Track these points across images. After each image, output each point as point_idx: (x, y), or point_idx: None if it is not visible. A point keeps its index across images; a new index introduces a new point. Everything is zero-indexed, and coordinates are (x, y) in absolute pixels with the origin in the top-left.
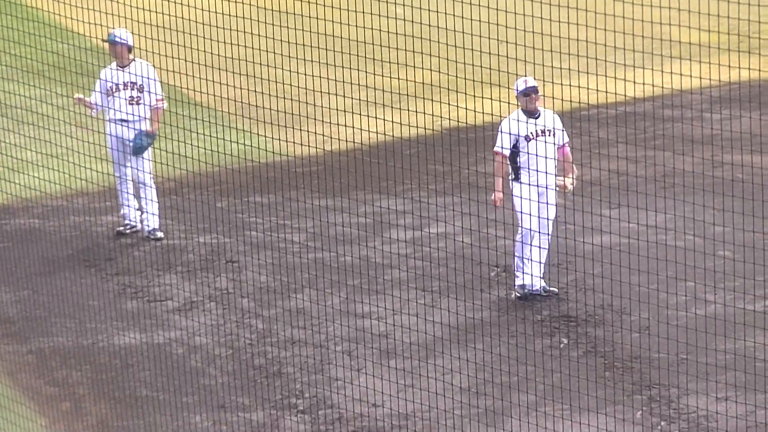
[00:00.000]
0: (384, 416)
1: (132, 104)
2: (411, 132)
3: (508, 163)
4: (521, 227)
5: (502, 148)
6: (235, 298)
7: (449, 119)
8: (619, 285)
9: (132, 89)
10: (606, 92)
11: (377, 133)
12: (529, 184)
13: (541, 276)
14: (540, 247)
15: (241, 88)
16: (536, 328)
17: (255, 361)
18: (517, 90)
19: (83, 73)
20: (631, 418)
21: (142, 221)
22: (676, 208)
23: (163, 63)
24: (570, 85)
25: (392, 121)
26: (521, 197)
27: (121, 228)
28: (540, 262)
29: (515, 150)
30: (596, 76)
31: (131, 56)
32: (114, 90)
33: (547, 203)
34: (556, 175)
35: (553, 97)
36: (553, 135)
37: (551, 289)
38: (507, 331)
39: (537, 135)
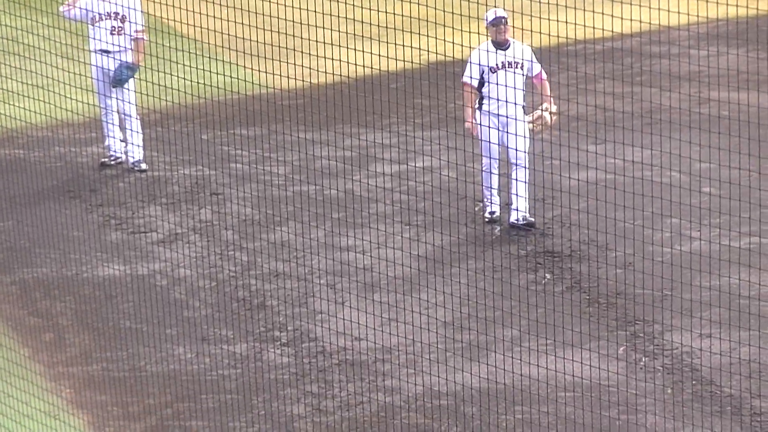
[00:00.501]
0: (367, 350)
1: (114, 34)
2: (396, 65)
3: (478, 93)
4: (482, 156)
5: (470, 78)
6: (218, 231)
7: (435, 53)
8: (603, 221)
9: (114, 19)
10: (592, 28)
11: (362, 66)
12: (489, 113)
13: (517, 208)
14: (516, 180)
15: (226, 20)
16: (519, 263)
17: (238, 293)
18: (487, 20)
19: None
20: (613, 353)
21: (126, 153)
22: (660, 145)
23: None
24: (556, 20)
25: (378, 54)
26: (481, 125)
27: (105, 159)
28: (516, 194)
29: (482, 80)
30: (582, 11)
31: None
32: (96, 19)
33: (511, 133)
34: (524, 106)
35: (540, 32)
36: (522, 67)
37: (531, 219)
38: (490, 266)
39: (504, 66)
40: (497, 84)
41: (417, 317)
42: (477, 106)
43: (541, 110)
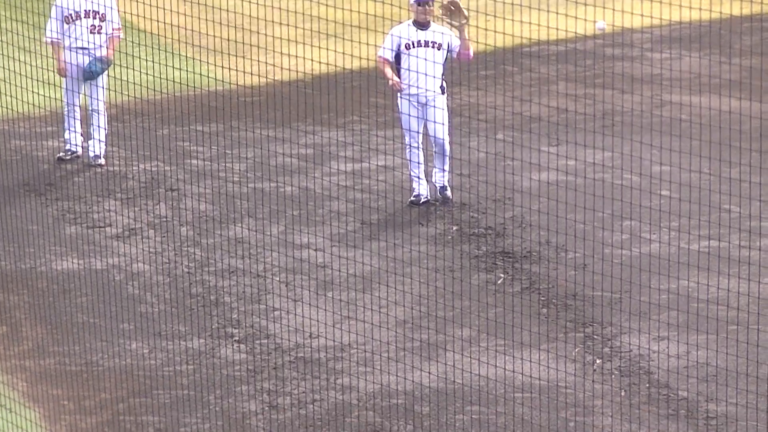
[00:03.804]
0: (321, 347)
1: (93, 33)
2: (354, 63)
3: (395, 67)
4: (402, 130)
5: (383, 50)
6: (174, 226)
7: None
8: (559, 222)
9: (94, 18)
10: (548, 28)
11: (321, 63)
12: (409, 87)
13: (436, 182)
14: (435, 153)
15: (186, 15)
16: (474, 263)
17: (193, 289)
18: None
19: None
20: (568, 355)
21: (86, 148)
22: (617, 147)
23: None
24: (513, 20)
25: (337, 52)
26: (401, 99)
27: (62, 154)
28: (434, 167)
29: (398, 53)
30: (540, 12)
31: None
32: (74, 17)
33: (430, 107)
34: (443, 86)
35: (498, 32)
36: (440, 47)
37: (447, 192)
38: (446, 265)
39: (421, 44)
40: (416, 57)
41: (372, 315)
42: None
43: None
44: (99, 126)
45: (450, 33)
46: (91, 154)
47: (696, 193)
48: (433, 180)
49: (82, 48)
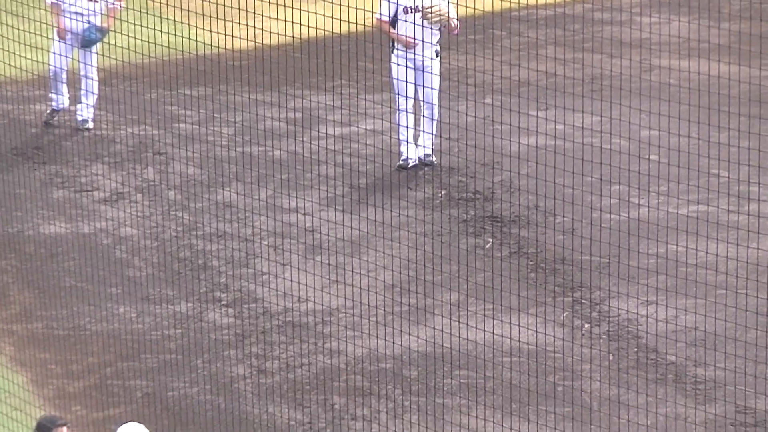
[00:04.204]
0: (309, 311)
1: (92, 0)
2: (343, 27)
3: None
4: (396, 95)
5: (381, 15)
6: (162, 190)
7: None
8: (547, 186)
9: None
10: None
11: (309, 27)
12: (405, 52)
13: (424, 145)
14: (423, 117)
15: None
16: (462, 227)
17: (181, 253)
18: None
19: None
20: (556, 319)
21: (74, 111)
22: (605, 111)
23: None
24: None
25: (325, 16)
26: (394, 65)
27: (47, 117)
28: (423, 131)
29: (395, 19)
30: None
31: None
32: None
33: (425, 72)
34: (438, 50)
35: None
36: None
37: (431, 158)
38: (434, 230)
39: (416, 10)
40: (413, 24)
41: (360, 279)
42: (391, 47)
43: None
44: (89, 91)
45: (448, 3)
46: (79, 118)
47: (684, 157)
48: (420, 143)
49: (78, 14)
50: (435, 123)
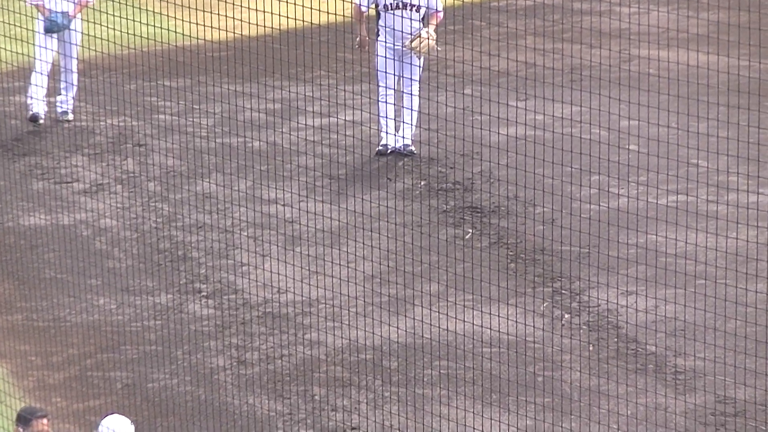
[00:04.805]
0: (289, 302)
1: None
2: (322, 18)
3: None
4: (378, 86)
5: (360, 3)
6: (142, 182)
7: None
8: (527, 176)
9: None
10: None
11: (288, 18)
12: (386, 44)
13: (403, 135)
14: (403, 107)
15: None
16: (442, 217)
17: (161, 244)
18: None
19: None
20: (536, 309)
21: (53, 103)
22: (585, 101)
23: None
24: None
25: (303, 6)
26: (378, 56)
27: (34, 112)
28: (403, 122)
29: (378, 12)
30: None
31: None
32: None
33: (406, 63)
34: (412, 34)
35: None
36: (418, 10)
37: (410, 148)
38: (413, 220)
39: (397, 6)
40: (396, 16)
41: (340, 270)
42: (376, 35)
43: (420, 33)
44: (70, 83)
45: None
46: (59, 109)
47: (664, 147)
48: (400, 134)
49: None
50: (415, 114)
